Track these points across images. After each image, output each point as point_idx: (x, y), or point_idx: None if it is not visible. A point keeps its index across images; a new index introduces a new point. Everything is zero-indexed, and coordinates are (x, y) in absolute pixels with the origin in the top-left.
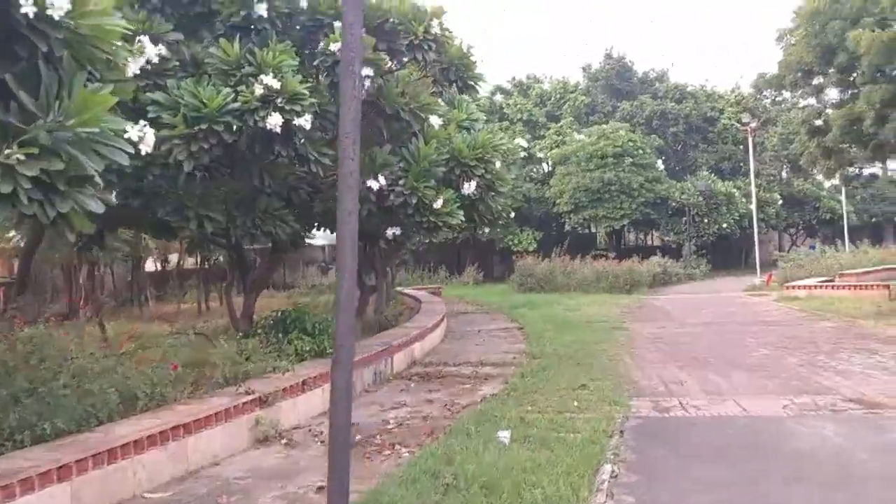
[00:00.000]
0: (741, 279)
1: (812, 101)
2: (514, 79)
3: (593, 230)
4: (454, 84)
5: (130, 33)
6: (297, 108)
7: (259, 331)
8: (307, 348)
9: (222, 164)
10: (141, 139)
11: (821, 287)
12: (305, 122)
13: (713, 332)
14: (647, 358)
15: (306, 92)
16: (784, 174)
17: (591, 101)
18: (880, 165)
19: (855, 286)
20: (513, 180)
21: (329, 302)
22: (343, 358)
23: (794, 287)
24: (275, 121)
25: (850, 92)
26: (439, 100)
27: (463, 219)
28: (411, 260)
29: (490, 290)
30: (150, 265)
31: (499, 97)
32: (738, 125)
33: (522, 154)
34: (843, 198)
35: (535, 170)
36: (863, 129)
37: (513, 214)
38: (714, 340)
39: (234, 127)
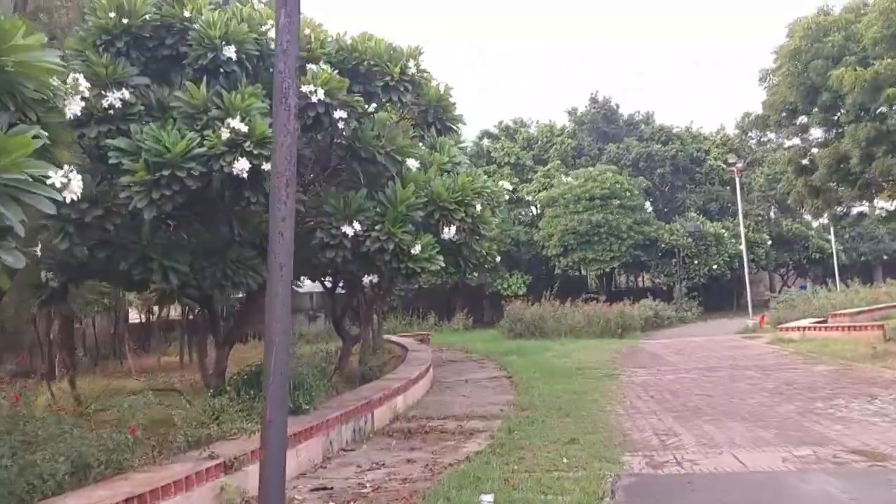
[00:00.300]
0: (734, 321)
1: (797, 140)
2: (500, 123)
3: (583, 273)
4: (433, 126)
5: (62, 70)
6: (266, 153)
7: (229, 388)
8: None
9: (191, 211)
10: (65, 185)
11: (814, 328)
12: None
13: (707, 378)
14: (640, 407)
15: None
16: (772, 214)
17: (578, 144)
18: (868, 204)
19: (848, 327)
20: (500, 223)
21: (314, 353)
22: (272, 439)
23: (787, 329)
24: (241, 166)
25: (835, 131)
26: (420, 143)
27: (443, 264)
28: (399, 306)
29: (480, 336)
30: (135, 316)
31: (486, 142)
32: (724, 166)
33: (507, 197)
34: (832, 237)
35: (523, 213)
36: (850, 168)
37: (499, 258)
38: (708, 387)
39: (199, 173)
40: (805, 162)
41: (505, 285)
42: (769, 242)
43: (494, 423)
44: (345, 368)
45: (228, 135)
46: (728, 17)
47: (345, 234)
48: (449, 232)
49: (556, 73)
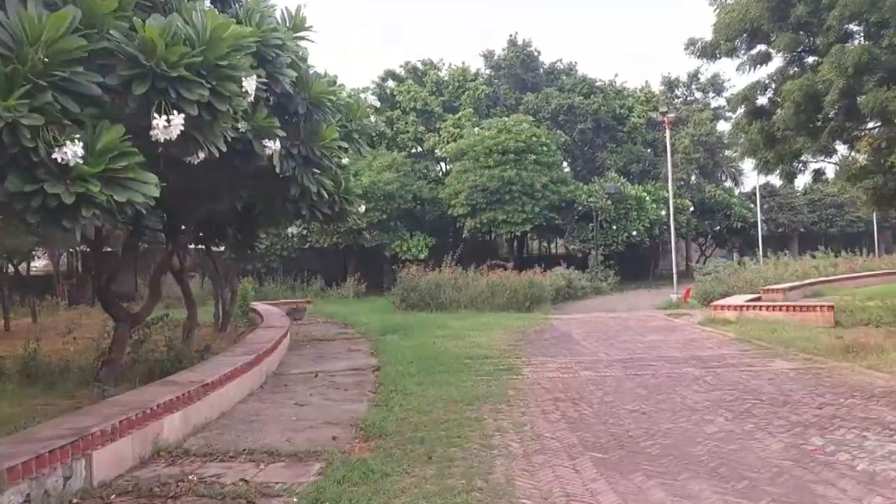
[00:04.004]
0: (653, 293)
1: (754, 74)
2: (407, 64)
3: (494, 237)
4: None
5: None
6: None
7: None
8: None
9: None
10: None
11: (752, 307)
12: None
13: (636, 378)
14: (545, 438)
15: None
16: (693, 179)
17: (493, 92)
18: (826, 160)
19: (793, 307)
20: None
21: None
22: None
23: (720, 307)
24: None
25: (809, 59)
26: None
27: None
28: (280, 268)
29: (370, 305)
30: None
31: (390, 83)
32: (651, 120)
33: (373, 119)
34: (757, 206)
35: (428, 167)
36: (821, 107)
37: (363, 207)
38: (641, 397)
39: None
40: (763, 102)
41: (404, 248)
42: (691, 209)
43: (309, 468)
44: (117, 362)
45: None
46: None
47: None
48: (165, 129)
49: (475, 9)
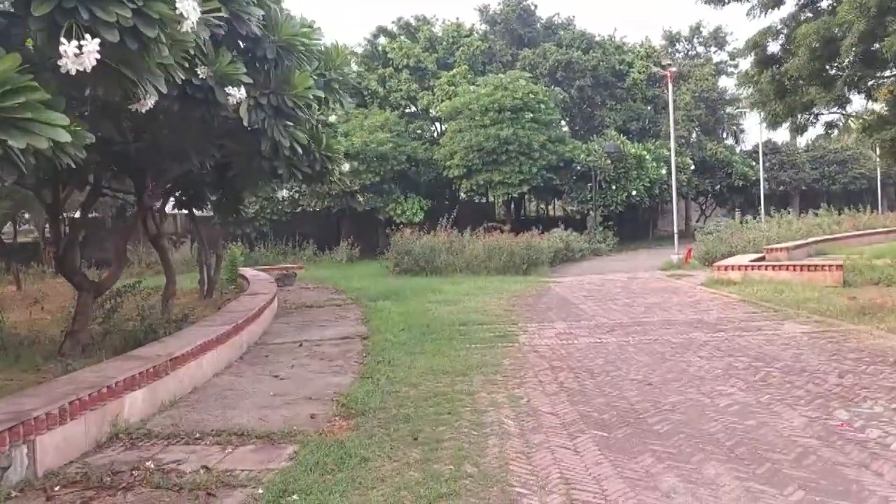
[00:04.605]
0: (653, 254)
1: (763, 21)
2: (400, 19)
3: (491, 199)
4: None
5: None
6: None
7: None
8: None
9: None
10: None
11: (756, 267)
12: None
13: (639, 344)
14: (542, 413)
15: None
16: (694, 136)
17: (489, 48)
18: (839, 111)
19: (800, 266)
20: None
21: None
22: None
23: (724, 268)
24: None
25: (824, 1)
26: None
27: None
28: (271, 233)
29: (362, 270)
30: None
31: (382, 40)
32: (658, 71)
33: (355, 67)
34: (760, 164)
35: (423, 127)
36: (837, 53)
37: (346, 166)
38: (644, 364)
39: None
40: (774, 49)
41: (399, 211)
42: (692, 167)
43: (282, 454)
44: (81, 333)
45: None
46: None
47: None
48: (76, 59)
49: None
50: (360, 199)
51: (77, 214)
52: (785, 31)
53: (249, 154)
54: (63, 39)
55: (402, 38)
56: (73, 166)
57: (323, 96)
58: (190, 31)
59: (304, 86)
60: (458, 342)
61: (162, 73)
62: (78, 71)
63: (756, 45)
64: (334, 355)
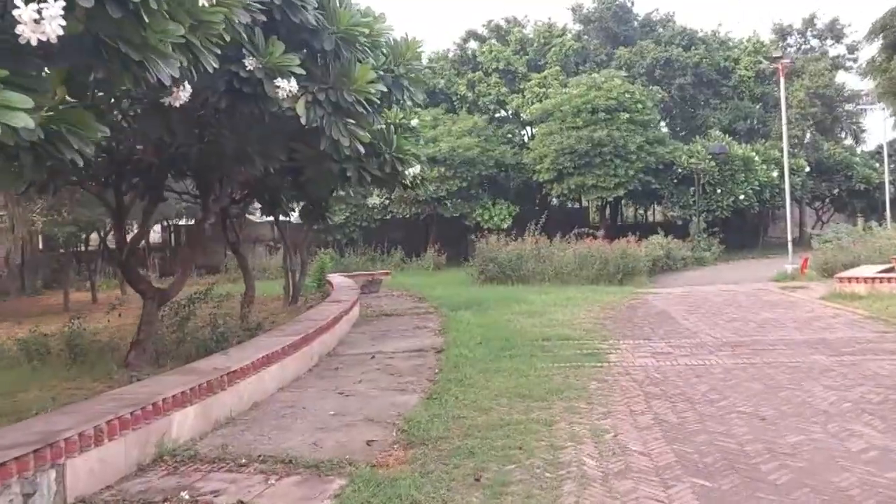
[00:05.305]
0: (764, 263)
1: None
2: (490, 22)
3: (584, 203)
4: None
5: None
6: None
7: None
8: None
9: None
10: None
11: (886, 280)
12: None
13: (750, 367)
14: (631, 455)
15: None
16: (809, 136)
17: (582, 48)
18: None
19: None
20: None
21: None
22: None
23: (846, 279)
24: None
25: None
26: None
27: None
28: (360, 239)
29: (448, 278)
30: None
31: (472, 44)
32: (767, 66)
33: (392, 36)
34: (885, 165)
35: (512, 131)
36: None
37: (416, 168)
38: (756, 393)
39: None
40: None
41: (486, 217)
42: (807, 170)
43: (326, 490)
44: (146, 343)
45: None
46: None
47: None
48: (35, 25)
49: None
50: (449, 205)
51: (182, 222)
52: None
53: (318, 157)
54: (18, 2)
55: (493, 41)
56: (81, 163)
57: (385, 90)
58: (206, 4)
59: (365, 80)
60: (540, 360)
61: (178, 57)
62: (71, 49)
63: (885, 27)
64: (405, 370)
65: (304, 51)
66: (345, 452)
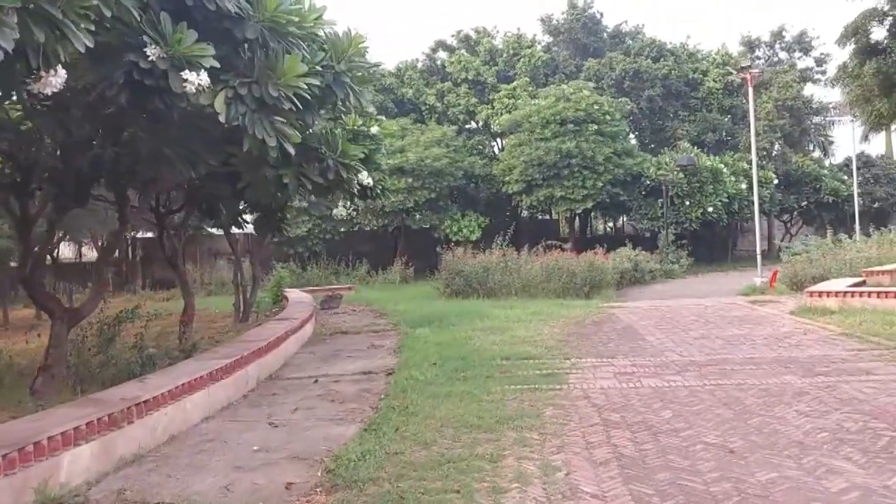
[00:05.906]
0: (732, 276)
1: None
2: (459, 33)
3: (554, 216)
4: None
5: None
6: None
7: None
8: None
9: None
10: None
11: (858, 294)
12: None
13: (718, 390)
14: (583, 499)
15: None
16: (777, 148)
17: (552, 59)
18: None
19: None
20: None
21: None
22: None
23: (817, 293)
24: None
25: None
26: None
27: None
28: (324, 251)
29: (414, 291)
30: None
31: (441, 54)
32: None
33: (333, 29)
34: (853, 177)
35: (482, 142)
36: None
37: (364, 175)
38: (725, 420)
39: None
40: (879, 36)
41: (455, 228)
42: (775, 182)
43: None
44: (54, 367)
45: None
46: None
47: None
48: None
49: None
50: (418, 216)
51: (139, 235)
52: (894, 14)
53: (255, 162)
54: None
55: (462, 51)
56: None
57: (321, 86)
58: None
59: (294, 73)
60: (495, 382)
61: (11, 25)
62: None
63: (857, 30)
64: (349, 396)
65: (226, 42)
66: (258, 499)
